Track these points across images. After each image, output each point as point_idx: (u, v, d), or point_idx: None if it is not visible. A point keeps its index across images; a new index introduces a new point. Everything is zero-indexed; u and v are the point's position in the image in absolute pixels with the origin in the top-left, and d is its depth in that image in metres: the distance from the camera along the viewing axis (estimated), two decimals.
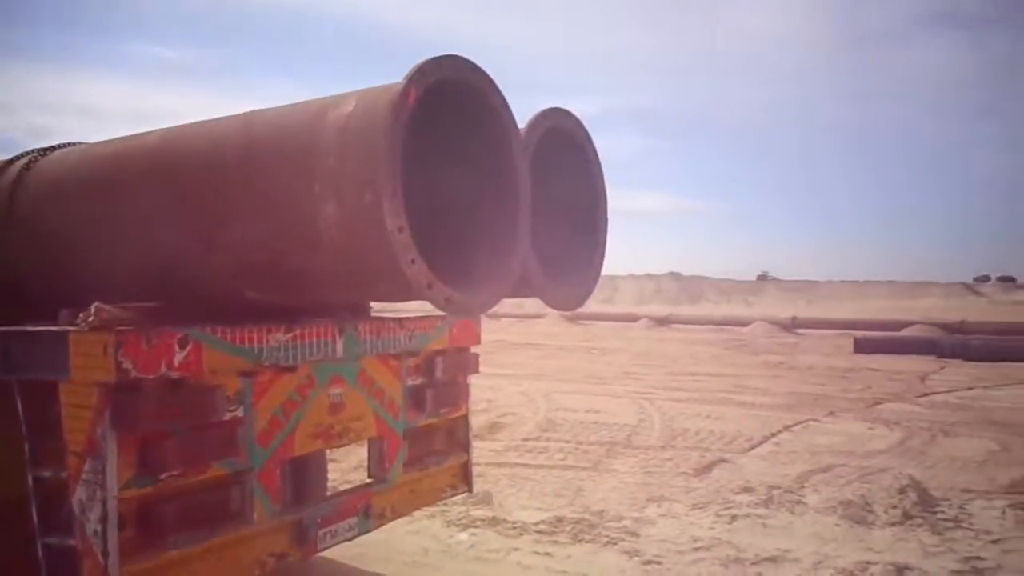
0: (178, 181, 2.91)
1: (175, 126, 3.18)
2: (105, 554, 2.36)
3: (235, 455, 2.73)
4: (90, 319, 2.43)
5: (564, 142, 3.34)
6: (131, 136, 3.29)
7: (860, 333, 23.08)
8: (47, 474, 2.55)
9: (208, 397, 2.64)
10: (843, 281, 73.22)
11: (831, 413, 10.59)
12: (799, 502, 5.90)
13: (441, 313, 3.12)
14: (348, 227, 2.48)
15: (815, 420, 10.00)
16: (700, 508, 5.81)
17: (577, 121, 3.40)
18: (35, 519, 2.57)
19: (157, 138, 3.16)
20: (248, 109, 2.99)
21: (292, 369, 2.94)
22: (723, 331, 28.79)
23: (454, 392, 3.85)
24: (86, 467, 2.39)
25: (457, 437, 3.95)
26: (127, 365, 2.36)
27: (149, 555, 2.47)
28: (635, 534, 5.21)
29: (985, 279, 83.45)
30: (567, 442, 8.35)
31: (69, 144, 3.61)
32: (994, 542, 5.12)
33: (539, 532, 5.19)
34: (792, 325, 29.33)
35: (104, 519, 2.36)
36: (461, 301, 2.73)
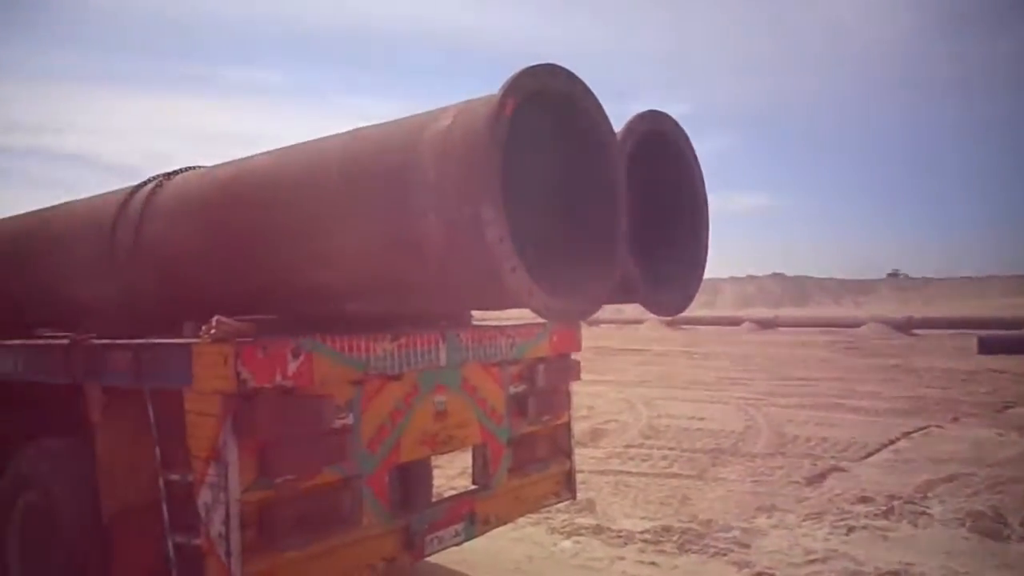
0: (285, 200, 3.03)
1: (282, 147, 3.32)
2: (228, 554, 2.48)
3: (345, 461, 2.82)
4: (212, 331, 2.55)
5: (661, 145, 3.29)
6: (243, 159, 3.45)
7: (984, 332, 21.63)
8: (176, 477, 2.70)
9: (319, 405, 2.74)
10: (961, 278, 69.05)
11: (955, 419, 9.96)
12: (923, 513, 5.57)
13: (542, 320, 3.13)
14: (449, 239, 2.52)
15: (937, 426, 9.43)
16: (814, 519, 5.58)
17: (674, 123, 3.35)
18: (166, 518, 2.73)
19: (266, 159, 3.30)
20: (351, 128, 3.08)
21: (398, 377, 3.01)
22: (832, 333, 27.63)
23: (556, 399, 3.85)
24: (210, 471, 2.52)
25: (560, 444, 3.95)
26: (245, 375, 2.48)
27: (267, 556, 2.58)
28: (745, 545, 5.05)
29: None
30: (671, 449, 8.19)
31: (189, 168, 3.82)
32: None
33: (644, 541, 5.10)
34: (908, 325, 27.84)
35: (227, 521, 2.48)
36: (561, 308, 2.73)
